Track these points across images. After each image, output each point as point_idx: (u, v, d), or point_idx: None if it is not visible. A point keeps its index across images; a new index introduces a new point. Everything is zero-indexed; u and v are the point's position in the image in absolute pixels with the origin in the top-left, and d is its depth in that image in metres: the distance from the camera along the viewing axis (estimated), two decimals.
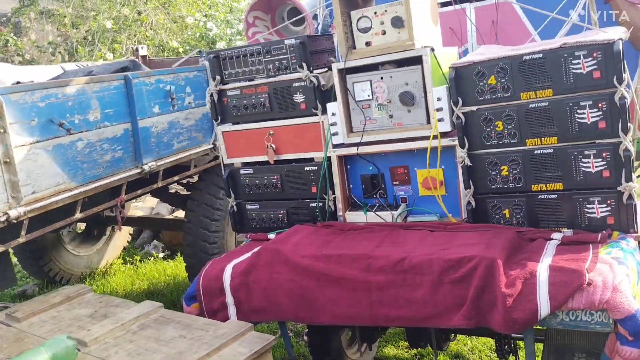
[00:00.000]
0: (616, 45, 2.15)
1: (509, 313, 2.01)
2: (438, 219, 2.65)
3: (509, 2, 3.31)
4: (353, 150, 2.73)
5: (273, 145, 2.91)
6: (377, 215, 2.72)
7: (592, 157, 2.28)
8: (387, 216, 2.71)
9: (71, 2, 9.99)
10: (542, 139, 2.36)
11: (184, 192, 4.86)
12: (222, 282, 2.59)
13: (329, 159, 2.79)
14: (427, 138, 2.58)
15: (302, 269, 2.43)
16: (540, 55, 2.29)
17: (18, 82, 3.41)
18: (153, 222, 5.65)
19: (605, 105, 2.22)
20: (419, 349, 3.57)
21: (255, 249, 2.76)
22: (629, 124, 2.19)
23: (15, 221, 2.68)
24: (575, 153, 2.31)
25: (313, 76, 2.74)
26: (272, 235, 2.92)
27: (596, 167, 2.28)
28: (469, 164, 2.47)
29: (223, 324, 2.27)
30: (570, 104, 2.27)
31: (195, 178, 4.41)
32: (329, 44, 2.99)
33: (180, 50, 10.04)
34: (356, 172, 2.84)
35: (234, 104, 2.97)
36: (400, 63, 2.63)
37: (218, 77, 2.96)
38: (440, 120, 2.50)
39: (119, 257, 6.08)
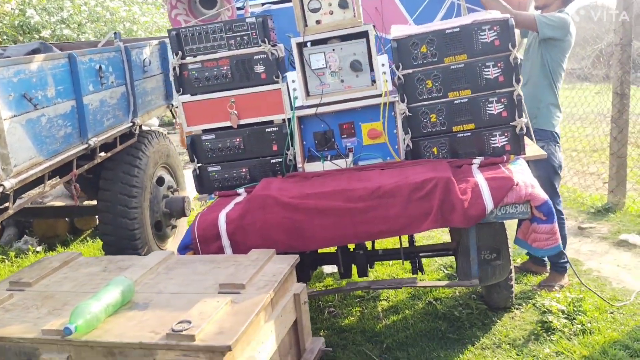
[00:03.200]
0: (510, 21, 3.06)
1: (466, 212, 2.81)
2: (382, 160, 3.35)
3: None
4: (311, 111, 3.30)
5: (235, 112, 3.34)
6: (333, 163, 3.33)
7: (494, 102, 3.18)
8: (341, 163, 3.33)
9: None
10: (460, 91, 3.20)
11: None
12: (218, 229, 2.99)
13: (289, 119, 3.32)
14: (372, 97, 3.27)
15: (292, 207, 2.96)
16: (458, 30, 3.12)
17: None
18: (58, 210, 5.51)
19: (503, 65, 3.12)
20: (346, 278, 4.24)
21: (238, 199, 3.20)
22: (520, 77, 3.12)
23: (8, 192, 2.73)
24: (483, 101, 3.19)
25: (274, 49, 3.24)
26: (241, 190, 3.36)
27: (497, 109, 3.19)
28: (409, 114, 3.22)
29: (248, 254, 2.70)
30: (479, 65, 3.14)
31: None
32: (271, 24, 3.49)
33: None
34: (308, 130, 3.41)
35: (195, 76, 3.33)
36: (343, 37, 3.27)
37: (180, 52, 3.29)
38: (385, 81, 3.20)
39: None
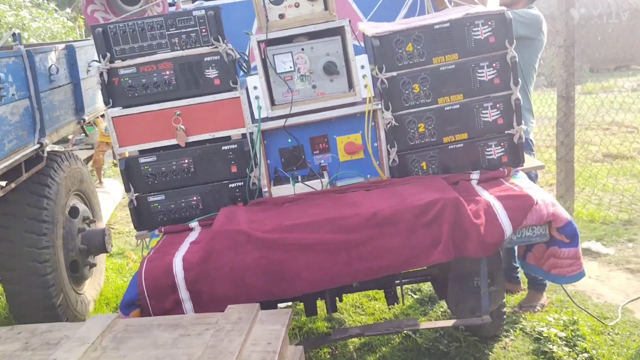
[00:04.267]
0: (507, 14, 2.66)
1: (483, 239, 2.35)
2: (365, 180, 2.83)
3: None
4: (279, 124, 2.72)
5: (182, 127, 2.68)
6: (306, 185, 2.77)
7: (489, 108, 2.77)
8: (316, 185, 2.77)
9: None
10: (451, 96, 2.75)
11: None
12: (174, 277, 2.33)
13: (251, 134, 2.72)
14: (349, 105, 2.75)
15: (270, 243, 2.36)
16: (447, 25, 2.67)
17: None
18: None
19: (498, 65, 2.72)
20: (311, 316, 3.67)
21: (192, 236, 2.56)
22: (518, 79, 2.73)
23: None
24: (477, 106, 2.76)
25: (230, 49, 2.63)
26: (194, 224, 2.71)
27: (493, 116, 2.78)
28: (395, 123, 2.72)
29: (225, 312, 2.05)
30: (472, 65, 2.72)
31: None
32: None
33: None
34: (273, 146, 2.82)
35: (129, 84, 2.63)
36: (313, 35, 2.73)
37: (108, 55, 2.59)
38: (365, 85, 2.69)
39: None
